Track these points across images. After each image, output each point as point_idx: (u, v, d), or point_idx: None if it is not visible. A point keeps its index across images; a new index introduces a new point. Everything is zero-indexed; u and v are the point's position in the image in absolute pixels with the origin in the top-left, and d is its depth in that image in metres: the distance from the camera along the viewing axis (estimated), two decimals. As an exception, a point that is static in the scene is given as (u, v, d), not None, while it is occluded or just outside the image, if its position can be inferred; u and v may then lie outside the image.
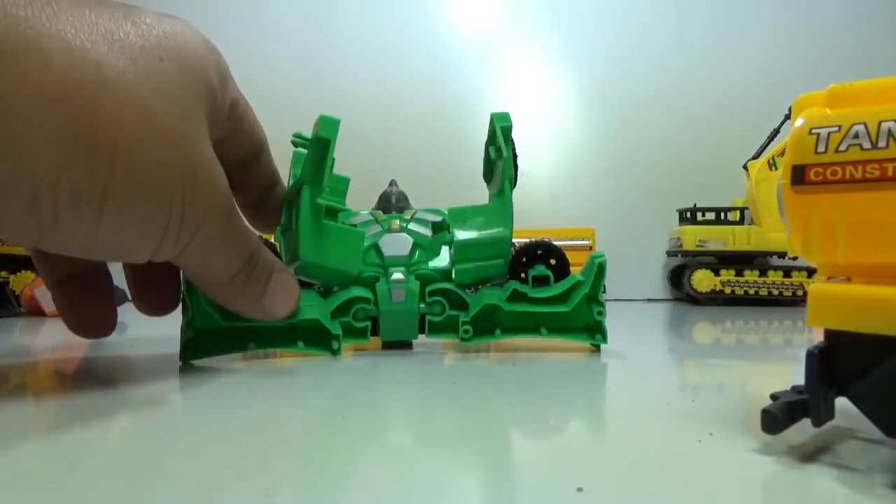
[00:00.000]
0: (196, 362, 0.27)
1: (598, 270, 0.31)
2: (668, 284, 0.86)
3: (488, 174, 0.36)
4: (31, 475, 0.13)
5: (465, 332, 0.31)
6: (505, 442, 0.17)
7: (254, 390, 0.23)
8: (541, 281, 0.32)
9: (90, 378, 0.26)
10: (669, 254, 0.83)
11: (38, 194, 0.17)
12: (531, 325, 0.32)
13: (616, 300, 0.81)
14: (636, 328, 0.52)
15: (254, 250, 0.25)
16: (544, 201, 0.87)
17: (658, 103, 0.88)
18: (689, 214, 0.81)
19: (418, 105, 0.88)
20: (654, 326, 0.53)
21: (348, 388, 0.24)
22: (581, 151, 0.89)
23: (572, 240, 0.80)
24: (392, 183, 0.38)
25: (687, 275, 0.77)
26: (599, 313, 0.31)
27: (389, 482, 0.13)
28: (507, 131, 0.33)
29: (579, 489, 0.12)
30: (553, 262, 0.34)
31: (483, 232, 0.33)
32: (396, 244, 0.32)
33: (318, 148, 0.27)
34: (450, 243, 0.33)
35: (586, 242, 0.80)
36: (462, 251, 0.32)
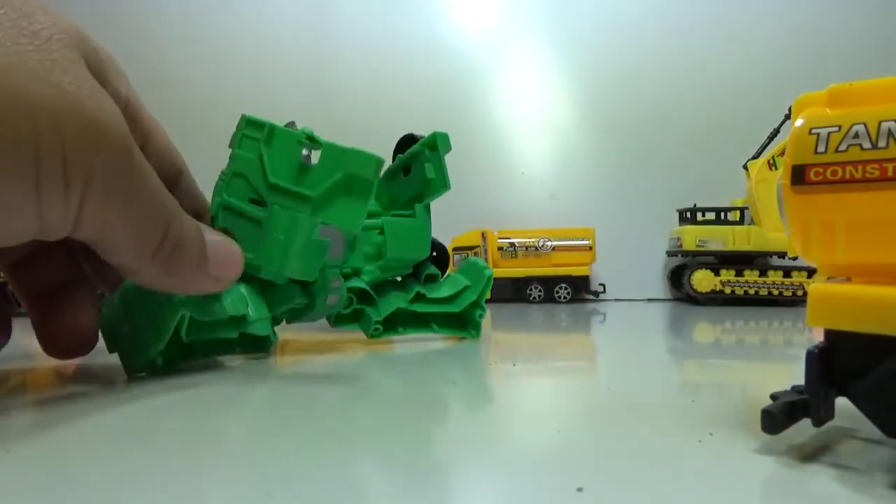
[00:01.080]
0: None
1: (486, 281, 0.37)
2: (668, 284, 0.86)
3: (404, 182, 0.36)
4: (29, 474, 0.13)
5: (376, 329, 0.35)
6: (504, 442, 0.17)
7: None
8: (431, 278, 0.37)
9: (90, 377, 0.26)
10: (669, 254, 0.83)
11: None
12: (426, 322, 0.37)
13: (616, 300, 0.81)
14: (636, 328, 0.52)
15: (178, 214, 0.21)
16: (544, 201, 0.87)
17: (658, 103, 0.88)
18: (689, 214, 0.81)
19: (418, 105, 0.88)
20: (654, 326, 0.53)
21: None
22: (581, 151, 0.89)
23: (572, 240, 0.80)
24: None
25: (687, 275, 0.77)
26: (480, 315, 0.37)
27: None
28: (443, 153, 0.35)
29: (579, 489, 0.12)
30: (434, 254, 0.39)
31: (404, 256, 0.35)
32: (336, 245, 0.31)
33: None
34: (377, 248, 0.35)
35: (586, 242, 0.80)
36: (384, 265, 0.35)
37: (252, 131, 0.26)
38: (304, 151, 0.27)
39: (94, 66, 0.20)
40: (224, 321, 0.27)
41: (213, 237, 0.23)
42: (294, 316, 0.31)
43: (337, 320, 0.34)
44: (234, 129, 0.27)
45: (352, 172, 0.26)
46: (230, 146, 0.27)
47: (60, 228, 0.18)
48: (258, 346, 0.31)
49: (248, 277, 0.27)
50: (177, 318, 0.24)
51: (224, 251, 0.24)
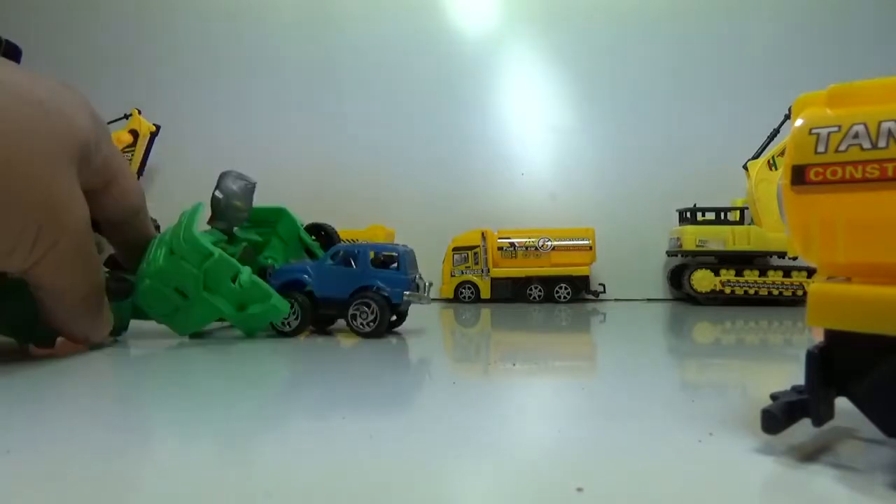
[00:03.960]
0: None
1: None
2: (668, 284, 0.86)
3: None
4: (30, 474, 0.13)
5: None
6: (504, 442, 0.17)
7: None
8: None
9: (89, 378, 0.26)
10: (669, 254, 0.83)
11: None
12: None
13: (616, 300, 0.81)
14: (636, 328, 0.52)
15: (100, 281, 0.30)
16: (544, 201, 0.87)
17: (658, 103, 0.88)
18: (689, 214, 0.81)
19: (418, 105, 0.88)
20: (654, 326, 0.53)
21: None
22: (581, 151, 0.89)
23: (572, 240, 0.80)
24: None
25: (687, 275, 0.77)
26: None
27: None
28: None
29: (579, 489, 0.12)
30: (322, 232, 0.46)
31: None
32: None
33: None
34: None
35: (586, 242, 0.80)
36: None
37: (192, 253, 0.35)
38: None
39: (82, 158, 0.27)
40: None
41: (106, 305, 0.32)
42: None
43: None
44: (190, 210, 0.37)
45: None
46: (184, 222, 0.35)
47: (15, 269, 0.26)
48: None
49: None
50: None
51: (106, 321, 0.33)
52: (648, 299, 0.84)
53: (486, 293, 0.78)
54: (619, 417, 0.19)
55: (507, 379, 0.26)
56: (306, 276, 0.40)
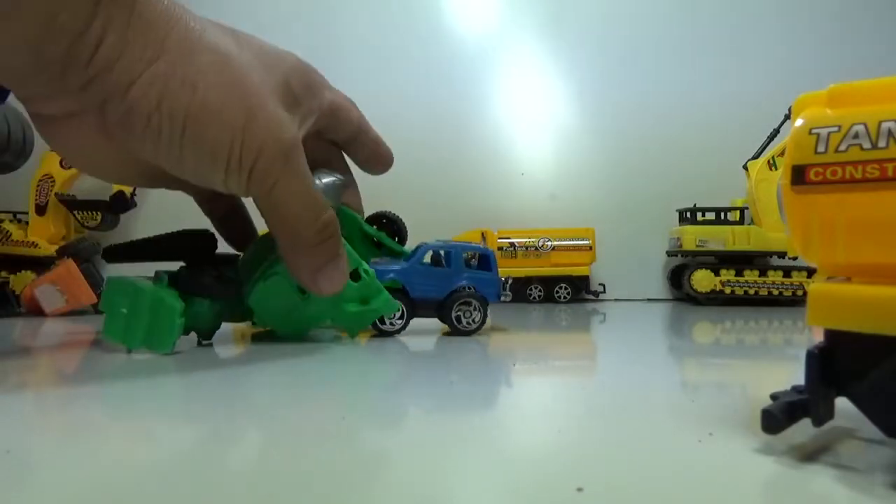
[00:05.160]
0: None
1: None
2: (668, 284, 0.86)
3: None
4: (30, 474, 0.13)
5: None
6: (505, 442, 0.17)
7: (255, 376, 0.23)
8: None
9: (89, 377, 0.26)
10: (669, 254, 0.83)
11: (150, 113, 0.24)
12: None
13: (616, 300, 0.81)
14: (636, 328, 0.52)
15: (329, 220, 0.30)
16: (544, 201, 0.87)
17: (658, 103, 0.88)
18: (689, 214, 0.81)
19: (418, 105, 0.88)
20: (654, 326, 0.53)
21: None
22: (581, 151, 0.89)
23: (572, 240, 0.80)
24: None
25: (687, 275, 0.77)
26: None
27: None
28: None
29: (579, 489, 0.12)
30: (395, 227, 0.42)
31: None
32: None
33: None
34: None
35: (586, 242, 0.80)
36: None
37: None
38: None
39: (296, 90, 0.30)
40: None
41: (342, 261, 0.32)
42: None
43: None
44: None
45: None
46: None
47: (238, 188, 0.28)
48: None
49: None
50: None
51: (338, 275, 0.32)
52: (648, 299, 0.84)
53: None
54: (619, 417, 0.19)
55: (508, 379, 0.26)
56: (402, 277, 0.39)
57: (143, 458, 0.15)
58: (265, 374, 0.26)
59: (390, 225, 0.41)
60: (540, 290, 0.79)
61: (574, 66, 0.90)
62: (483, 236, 0.79)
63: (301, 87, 0.31)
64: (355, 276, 0.35)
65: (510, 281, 0.43)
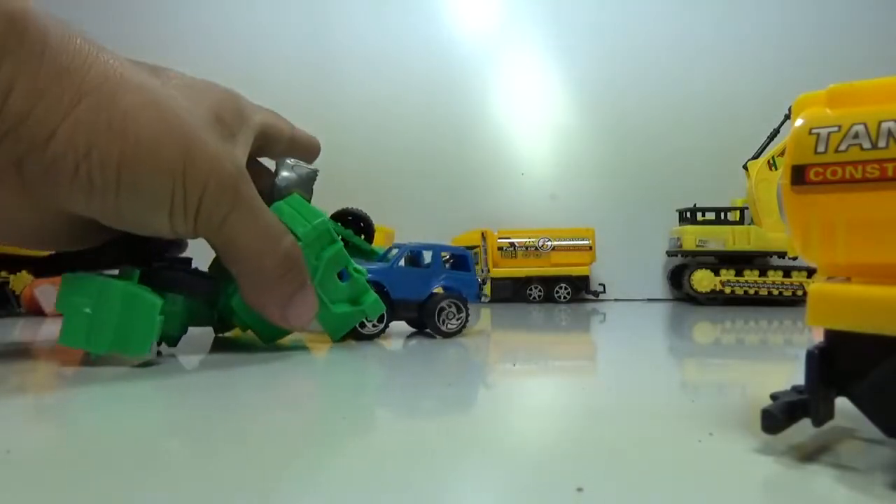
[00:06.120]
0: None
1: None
2: (668, 284, 0.86)
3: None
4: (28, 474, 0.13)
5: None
6: (504, 442, 0.17)
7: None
8: None
9: (89, 377, 0.26)
10: (669, 254, 0.83)
11: (78, 162, 0.23)
12: None
13: (616, 300, 0.81)
14: (636, 328, 0.52)
15: (290, 246, 0.29)
16: (544, 201, 0.87)
17: (658, 103, 0.88)
18: (689, 214, 0.81)
19: (419, 106, 0.88)
20: (654, 326, 0.53)
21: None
22: (581, 151, 0.89)
23: (572, 240, 0.80)
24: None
25: (687, 275, 0.77)
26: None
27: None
28: None
29: (579, 489, 0.12)
30: (362, 224, 0.40)
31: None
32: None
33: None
34: None
35: (586, 242, 0.80)
36: None
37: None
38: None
39: (227, 119, 0.29)
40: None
41: (310, 290, 0.31)
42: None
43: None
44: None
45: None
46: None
47: (185, 231, 0.27)
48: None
49: None
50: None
51: (308, 306, 0.30)
52: (648, 299, 0.84)
53: (486, 293, 0.78)
54: (620, 417, 0.19)
55: (507, 379, 0.26)
56: (383, 278, 0.38)
57: (139, 458, 0.15)
58: (257, 378, 0.26)
59: (356, 222, 0.39)
60: (540, 290, 0.79)
61: (574, 66, 0.90)
62: (483, 236, 0.79)
63: (231, 115, 0.30)
64: (345, 275, 0.34)
65: (487, 281, 0.43)
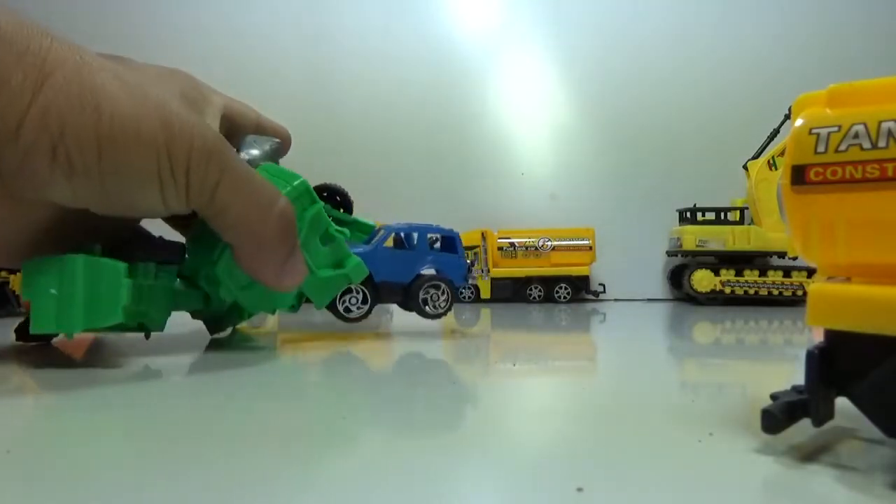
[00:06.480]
0: None
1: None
2: (668, 284, 0.86)
3: None
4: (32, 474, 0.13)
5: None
6: (504, 442, 0.17)
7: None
8: None
9: (89, 377, 0.26)
10: (669, 254, 0.83)
11: (55, 146, 0.22)
12: None
13: (616, 300, 0.81)
14: (636, 328, 0.52)
15: (285, 205, 0.28)
16: (544, 201, 0.87)
17: (658, 103, 0.88)
18: (689, 214, 0.81)
19: (419, 106, 0.88)
20: (654, 326, 0.53)
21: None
22: (581, 151, 0.89)
23: (572, 240, 0.80)
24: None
25: (687, 275, 0.77)
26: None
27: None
28: None
29: (579, 489, 0.12)
30: (337, 198, 0.39)
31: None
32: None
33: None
34: None
35: (586, 242, 0.80)
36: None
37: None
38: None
39: (193, 98, 0.29)
40: None
41: (300, 253, 0.30)
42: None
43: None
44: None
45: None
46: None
47: (180, 207, 0.26)
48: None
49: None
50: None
51: (299, 268, 0.29)
52: (648, 299, 0.84)
53: (486, 293, 0.78)
54: (620, 417, 0.19)
55: (507, 379, 0.26)
56: (365, 260, 0.36)
57: (138, 459, 0.15)
58: (256, 378, 0.26)
59: (332, 196, 0.38)
60: (540, 290, 0.79)
61: (574, 65, 0.90)
62: (483, 236, 0.79)
63: (194, 93, 0.30)
64: (327, 237, 0.32)
65: (475, 263, 0.42)
